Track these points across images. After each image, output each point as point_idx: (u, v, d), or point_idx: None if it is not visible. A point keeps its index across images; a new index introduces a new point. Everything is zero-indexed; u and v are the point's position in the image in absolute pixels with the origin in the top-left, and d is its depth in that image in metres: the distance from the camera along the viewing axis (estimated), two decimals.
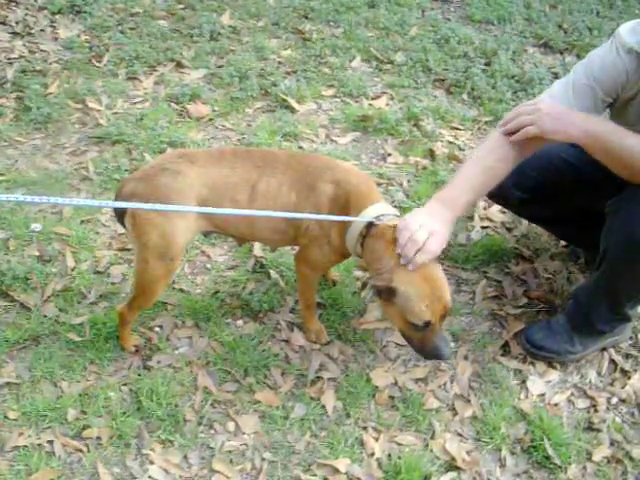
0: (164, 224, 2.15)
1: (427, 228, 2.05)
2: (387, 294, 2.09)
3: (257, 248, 2.92)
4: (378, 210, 2.18)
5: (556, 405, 2.50)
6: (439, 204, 2.18)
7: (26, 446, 2.19)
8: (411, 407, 2.41)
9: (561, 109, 2.22)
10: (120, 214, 2.26)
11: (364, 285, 2.17)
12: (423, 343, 2.15)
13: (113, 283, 2.75)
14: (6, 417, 2.27)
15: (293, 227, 2.27)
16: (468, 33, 4.67)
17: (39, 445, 2.20)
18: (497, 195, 2.80)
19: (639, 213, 2.19)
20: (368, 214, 2.16)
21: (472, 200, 2.27)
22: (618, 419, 2.47)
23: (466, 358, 2.62)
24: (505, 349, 2.68)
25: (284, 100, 3.89)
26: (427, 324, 2.08)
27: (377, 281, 2.10)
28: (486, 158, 2.28)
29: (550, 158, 2.60)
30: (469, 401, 2.47)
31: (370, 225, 2.16)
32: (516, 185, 2.61)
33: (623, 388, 2.57)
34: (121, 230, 2.93)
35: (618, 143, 2.10)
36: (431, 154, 3.58)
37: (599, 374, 2.62)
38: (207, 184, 2.16)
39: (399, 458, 2.24)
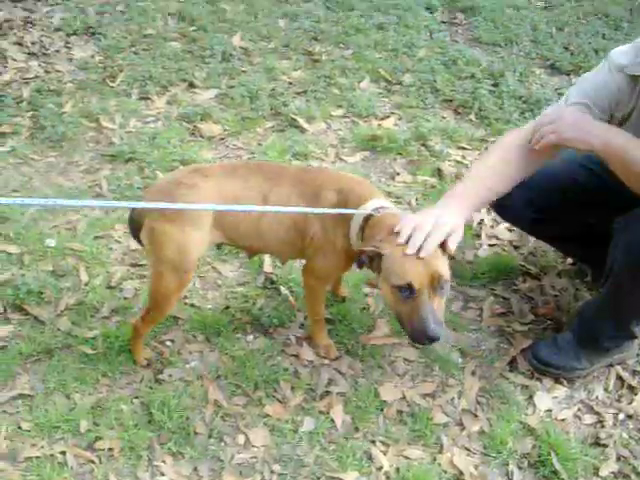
0: (179, 237, 2.20)
1: (435, 217, 2.07)
2: (376, 262, 2.08)
3: (267, 264, 2.96)
4: (376, 204, 2.21)
5: (563, 420, 2.51)
6: (450, 199, 2.22)
7: (39, 457, 2.22)
8: (419, 422, 2.43)
9: (584, 118, 2.24)
10: (135, 229, 2.32)
11: (359, 260, 2.13)
12: (411, 318, 2.03)
13: (125, 298, 2.79)
14: (19, 428, 2.30)
15: (300, 237, 2.31)
16: (475, 55, 4.73)
17: (51, 456, 2.23)
18: (509, 214, 2.86)
19: None
20: (367, 208, 2.19)
21: (484, 198, 2.32)
22: (625, 435, 2.47)
23: (474, 374, 2.64)
24: (512, 365, 2.69)
25: (294, 120, 3.95)
26: (410, 287, 2.00)
27: (367, 248, 2.10)
28: (496, 161, 2.34)
29: (561, 178, 2.63)
30: (477, 416, 2.48)
31: (369, 218, 2.19)
32: (528, 205, 2.66)
33: (630, 404, 2.57)
34: (133, 246, 2.99)
35: (637, 155, 2.12)
36: (439, 173, 3.63)
37: (606, 390, 2.63)
38: (221, 197, 2.20)
39: (407, 472, 2.25)
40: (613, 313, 2.51)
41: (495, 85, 4.39)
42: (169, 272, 2.24)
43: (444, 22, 5.29)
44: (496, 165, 2.33)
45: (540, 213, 2.69)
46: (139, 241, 2.33)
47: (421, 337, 2.03)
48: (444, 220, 2.07)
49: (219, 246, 2.49)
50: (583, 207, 2.60)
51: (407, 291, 2.01)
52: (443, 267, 2.04)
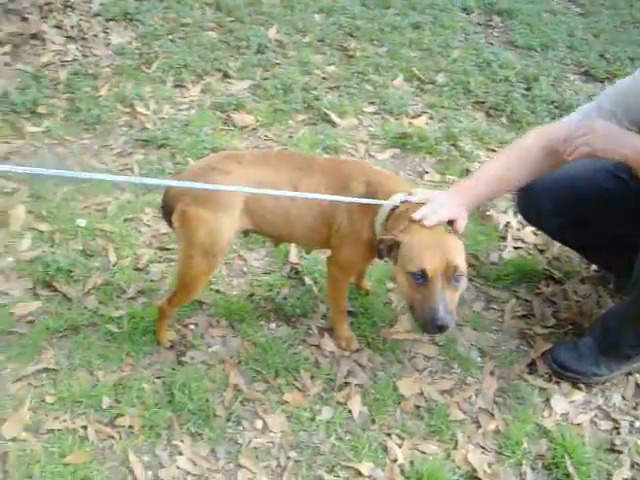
0: (211, 221, 2.24)
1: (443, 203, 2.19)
2: (394, 250, 2.12)
3: (293, 254, 3.00)
4: (402, 197, 2.23)
5: (579, 425, 2.51)
6: (455, 191, 2.33)
7: (61, 429, 2.27)
8: (436, 417, 2.44)
9: (616, 130, 2.26)
10: (167, 212, 2.36)
11: (378, 249, 2.17)
12: (422, 305, 2.06)
13: (152, 280, 2.84)
14: (43, 401, 2.35)
15: (326, 226, 2.34)
16: (510, 58, 4.73)
17: (73, 430, 2.27)
18: (536, 221, 2.88)
19: None
20: (393, 200, 2.23)
21: (487, 192, 2.38)
22: None
23: (492, 374, 2.65)
24: (531, 367, 2.70)
25: (326, 114, 3.97)
26: (424, 274, 2.03)
27: (386, 237, 2.15)
28: (510, 158, 2.40)
29: (590, 187, 2.63)
30: (493, 415, 2.50)
31: (394, 209, 2.22)
32: (556, 211, 2.68)
33: None
34: (162, 230, 3.03)
35: None
36: (467, 174, 3.63)
37: (623, 397, 2.63)
38: (253, 183, 2.23)
39: (421, 466, 2.27)
40: (636, 322, 2.50)
41: (528, 89, 4.38)
42: (199, 256, 2.29)
43: (480, 24, 5.29)
44: (512, 162, 2.39)
45: (568, 221, 2.69)
46: (170, 224, 2.37)
47: (430, 325, 2.05)
48: (449, 206, 2.21)
49: (246, 233, 2.52)
50: (612, 216, 2.60)
51: (421, 278, 2.04)
52: (459, 259, 2.07)
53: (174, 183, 2.15)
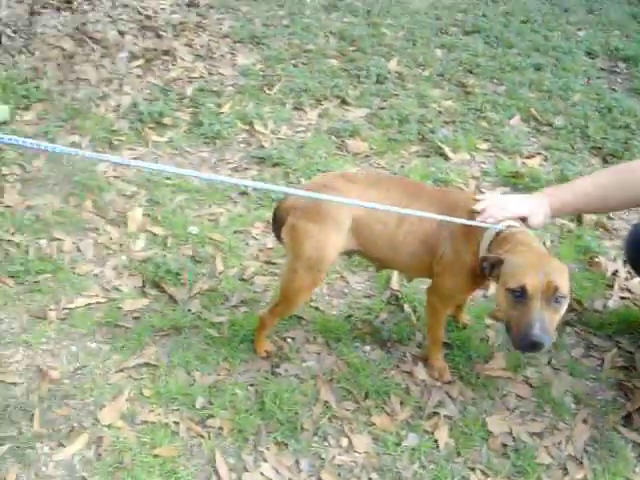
0: (319, 237, 2.31)
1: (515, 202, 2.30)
2: (496, 267, 2.13)
3: (394, 281, 3.02)
4: (507, 223, 2.25)
5: None
6: (537, 194, 2.41)
7: (154, 422, 2.37)
8: (522, 458, 2.39)
9: None
10: (277, 225, 2.44)
11: (481, 267, 2.20)
12: (519, 322, 2.06)
13: (255, 291, 2.93)
14: (141, 393, 2.46)
15: (430, 254, 2.36)
16: (633, 105, 4.63)
17: (166, 424, 2.37)
18: None
19: None
20: (498, 225, 2.24)
21: (573, 202, 2.37)
22: None
23: (585, 422, 2.57)
24: (627, 420, 2.60)
25: (439, 147, 4.00)
26: (524, 290, 2.03)
27: (489, 255, 2.17)
28: (610, 178, 2.39)
29: None
30: (582, 464, 2.42)
31: (499, 234, 2.23)
32: None
33: None
34: (270, 244, 3.13)
35: None
36: (578, 219, 3.57)
37: None
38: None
39: None
40: None
41: None
42: (304, 269, 2.35)
43: (603, 69, 5.20)
44: (610, 182, 2.36)
45: None
46: (279, 238, 2.45)
47: (525, 341, 2.04)
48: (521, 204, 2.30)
49: (350, 254, 2.57)
50: None
51: (520, 294, 2.05)
52: (562, 281, 2.05)
53: (282, 188, 2.23)
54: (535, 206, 2.30)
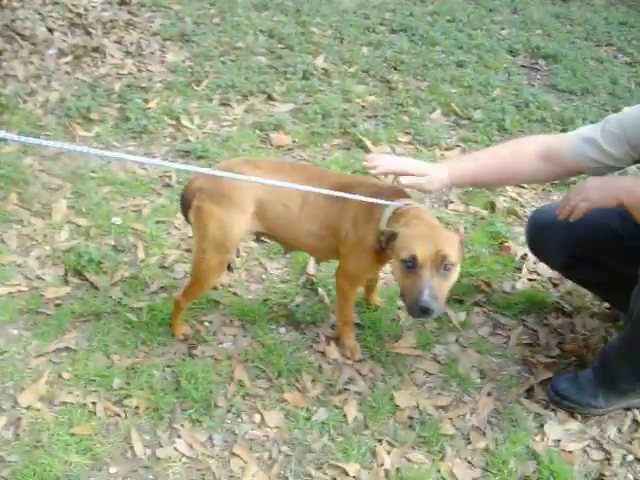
0: (224, 218, 2.42)
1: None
2: (391, 240, 2.27)
3: (310, 266, 3.14)
4: (405, 201, 2.41)
5: (570, 452, 2.53)
6: (440, 162, 2.61)
7: (72, 403, 2.44)
8: (427, 429, 2.52)
9: (607, 178, 2.39)
10: (185, 207, 2.54)
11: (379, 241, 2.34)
12: (411, 290, 2.20)
13: (175, 278, 3.02)
14: (60, 376, 2.54)
15: (333, 235, 2.49)
16: (549, 100, 4.84)
17: (84, 405, 2.44)
18: (543, 255, 2.95)
19: None
20: (396, 202, 2.40)
21: (469, 170, 2.55)
22: (631, 476, 2.47)
23: (489, 395, 2.70)
24: (529, 393, 2.74)
25: (360, 140, 4.13)
26: (414, 260, 2.17)
27: (385, 229, 2.33)
28: (503, 151, 2.65)
29: (598, 226, 2.68)
30: (484, 434, 2.55)
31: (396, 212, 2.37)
32: (561, 249, 2.75)
33: None
34: (191, 234, 3.20)
35: None
36: (491, 206, 3.74)
37: (619, 431, 2.64)
38: (265, 188, 2.40)
39: (407, 473, 2.34)
40: (630, 357, 2.53)
41: (563, 131, 4.45)
42: (211, 250, 2.46)
43: (524, 66, 5.41)
44: (504, 155, 2.57)
45: (572, 258, 2.76)
46: (188, 219, 2.55)
47: (415, 307, 2.18)
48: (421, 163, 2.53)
49: (258, 237, 2.67)
50: (617, 256, 2.65)
51: (411, 264, 2.19)
52: (451, 250, 2.21)
53: (190, 168, 2.34)
54: (433, 170, 2.45)
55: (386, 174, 2.54)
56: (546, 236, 2.80)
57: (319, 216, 2.46)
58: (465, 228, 3.56)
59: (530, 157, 2.55)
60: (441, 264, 2.19)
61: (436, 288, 2.17)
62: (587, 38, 6.05)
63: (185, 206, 2.54)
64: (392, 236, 2.27)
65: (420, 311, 2.17)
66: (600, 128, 2.52)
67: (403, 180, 2.41)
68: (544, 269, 3.37)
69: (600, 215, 2.66)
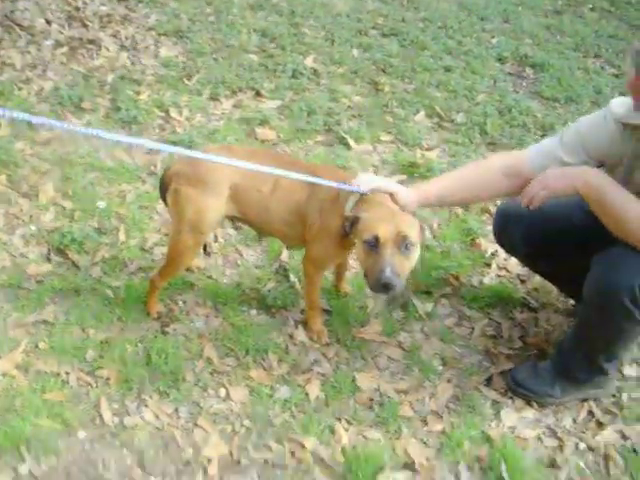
0: (199, 201, 2.54)
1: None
2: (354, 225, 2.40)
3: (284, 254, 3.26)
4: (372, 188, 2.51)
5: (524, 439, 2.62)
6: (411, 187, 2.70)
7: (47, 372, 2.57)
8: (386, 411, 2.63)
9: (566, 168, 2.50)
10: (163, 191, 2.67)
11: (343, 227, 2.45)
12: (373, 268, 2.32)
13: (153, 260, 3.14)
14: (36, 346, 2.67)
15: (302, 222, 2.61)
16: (532, 106, 4.94)
17: (57, 374, 2.57)
18: (508, 246, 3.06)
19: (612, 266, 2.39)
20: (362, 188, 2.50)
21: (434, 192, 2.68)
22: (582, 464, 2.56)
23: (449, 381, 2.81)
24: (489, 382, 2.84)
25: (343, 138, 4.26)
26: (376, 240, 2.30)
27: (348, 214, 2.45)
28: (468, 172, 2.79)
29: (558, 219, 2.81)
30: (441, 417, 2.66)
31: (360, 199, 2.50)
32: (524, 238, 2.87)
33: (594, 438, 2.66)
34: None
35: (610, 196, 2.33)
36: (466, 205, 3.85)
37: (574, 421, 2.73)
38: (239, 173, 2.54)
39: (362, 449, 2.45)
40: (582, 345, 2.66)
41: (543, 136, 4.57)
42: (187, 232, 2.59)
43: (511, 74, 5.52)
44: (469, 176, 2.70)
45: (535, 249, 2.88)
46: (165, 202, 2.68)
47: (377, 284, 2.30)
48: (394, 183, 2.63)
49: (233, 221, 2.79)
50: (577, 247, 2.75)
51: (373, 244, 2.32)
52: (411, 231, 2.35)
53: (173, 149, 2.46)
54: (404, 190, 2.56)
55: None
56: (511, 227, 2.92)
57: (289, 202, 2.59)
58: (439, 225, 3.67)
59: (494, 176, 2.68)
60: (402, 244, 2.32)
61: (397, 265, 2.30)
62: (576, 49, 6.16)
63: (163, 189, 2.67)
64: (355, 220, 2.39)
65: (382, 287, 2.29)
66: (558, 140, 2.65)
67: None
68: (513, 266, 3.49)
69: (562, 208, 2.80)
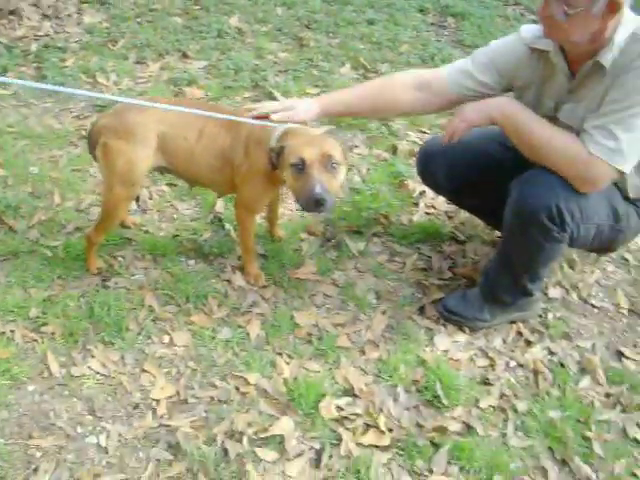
0: (129, 152, 2.61)
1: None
2: (280, 154, 2.51)
3: (219, 205, 3.36)
4: (291, 125, 2.64)
5: (457, 360, 2.78)
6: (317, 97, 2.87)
7: None
8: (325, 343, 2.76)
9: (482, 101, 2.63)
10: (92, 146, 2.73)
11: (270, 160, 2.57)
12: (303, 189, 2.43)
13: (90, 220, 3.19)
14: None
15: (229, 165, 2.70)
16: (453, 53, 5.09)
17: (2, 333, 2.63)
18: (431, 181, 3.18)
19: (530, 187, 2.53)
20: (283, 125, 2.62)
21: (340, 99, 2.83)
22: (513, 379, 2.72)
23: (384, 313, 2.95)
24: (422, 311, 2.99)
25: (271, 93, 4.34)
26: (303, 162, 2.42)
27: (273, 146, 2.57)
28: (376, 81, 3.03)
29: (479, 154, 2.96)
30: (378, 346, 2.79)
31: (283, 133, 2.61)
32: (447, 176, 3.01)
33: (523, 355, 2.83)
34: None
35: (524, 123, 2.48)
36: (393, 149, 3.99)
37: (504, 341, 2.89)
38: (165, 122, 2.63)
39: (304, 380, 2.58)
40: (506, 267, 2.80)
41: None
42: (118, 184, 2.66)
43: (433, 24, 5.67)
44: (379, 87, 2.86)
45: (459, 184, 3.02)
46: (94, 157, 2.74)
47: (309, 202, 2.41)
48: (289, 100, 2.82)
49: (163, 172, 2.87)
50: (497, 179, 2.86)
51: (301, 166, 2.44)
52: (335, 152, 2.48)
53: (101, 96, 2.53)
54: (300, 103, 2.71)
55: (260, 116, 2.72)
56: (433, 166, 3.05)
57: (215, 147, 2.68)
58: (368, 170, 3.80)
59: (404, 87, 2.79)
60: (328, 163, 2.44)
61: (326, 182, 2.41)
62: None
63: (92, 145, 2.72)
64: (281, 150, 2.50)
65: (315, 202, 2.39)
66: (470, 60, 2.79)
67: (273, 117, 2.61)
68: (440, 204, 3.64)
69: (481, 143, 2.95)
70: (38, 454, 2.26)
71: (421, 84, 2.79)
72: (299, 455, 2.35)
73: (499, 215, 3.08)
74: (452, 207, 3.59)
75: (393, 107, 2.85)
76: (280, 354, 2.71)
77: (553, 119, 2.54)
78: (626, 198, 2.65)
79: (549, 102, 2.64)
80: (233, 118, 2.56)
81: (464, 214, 3.53)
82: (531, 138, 2.49)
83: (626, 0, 2.28)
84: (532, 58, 2.65)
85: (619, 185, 2.61)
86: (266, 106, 2.69)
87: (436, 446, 2.42)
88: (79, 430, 2.36)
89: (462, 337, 2.91)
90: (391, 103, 2.82)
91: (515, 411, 2.61)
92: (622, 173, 2.42)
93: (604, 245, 2.77)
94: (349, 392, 2.59)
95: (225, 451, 2.32)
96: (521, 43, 2.66)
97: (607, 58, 2.38)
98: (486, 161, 2.94)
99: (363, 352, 2.78)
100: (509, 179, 2.69)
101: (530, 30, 2.67)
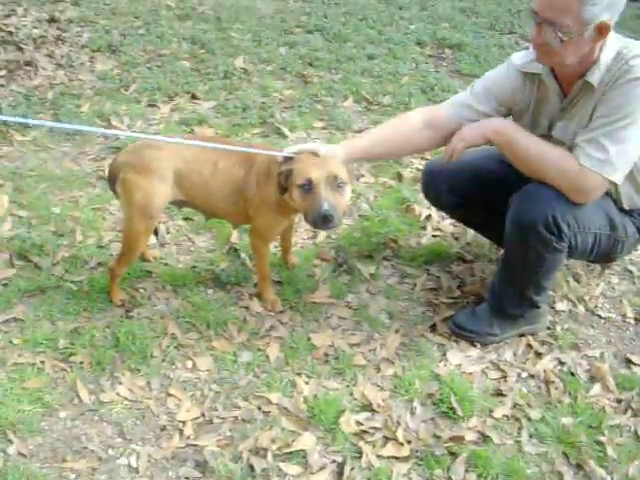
0: (146, 186, 2.76)
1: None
2: (288, 177, 2.63)
3: (234, 236, 3.49)
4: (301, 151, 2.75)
5: (470, 374, 2.87)
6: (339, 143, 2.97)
7: (23, 363, 2.73)
8: (341, 362, 2.86)
9: (478, 122, 2.78)
10: (112, 182, 2.87)
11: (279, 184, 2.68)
12: (311, 207, 2.55)
13: (111, 255, 3.32)
14: (11, 342, 2.83)
15: (242, 197, 2.84)
16: (452, 83, 5.28)
17: (33, 364, 2.74)
18: (436, 200, 3.32)
19: (527, 200, 2.66)
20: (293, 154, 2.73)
21: (359, 145, 2.92)
22: (524, 389, 2.81)
23: (397, 332, 3.05)
24: (433, 329, 3.09)
25: (278, 128, 4.51)
26: (310, 182, 2.55)
27: (281, 169, 2.67)
28: (389, 125, 3.06)
29: (481, 171, 3.09)
30: (393, 363, 2.89)
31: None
32: (450, 191, 3.14)
33: (534, 366, 2.92)
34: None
35: (516, 139, 2.62)
36: (399, 177, 4.14)
37: (515, 354, 2.98)
38: (181, 158, 2.78)
39: (323, 397, 2.67)
40: (510, 281, 2.91)
41: None
42: (137, 217, 2.80)
43: (431, 56, 5.87)
44: (390, 129, 2.98)
45: (459, 198, 3.14)
46: (115, 192, 2.88)
47: (318, 219, 2.53)
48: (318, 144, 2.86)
49: (180, 205, 3.02)
50: (500, 196, 2.96)
51: (308, 186, 2.56)
52: (341, 172, 2.60)
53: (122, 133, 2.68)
54: (328, 148, 2.81)
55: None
56: (437, 182, 3.19)
57: (228, 181, 2.82)
58: (375, 197, 3.94)
59: (414, 128, 2.93)
60: (334, 182, 2.57)
61: (333, 200, 2.54)
62: (491, 28, 6.55)
63: (112, 181, 2.87)
64: (289, 172, 2.63)
65: (323, 219, 2.52)
66: (469, 92, 2.95)
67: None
68: (447, 226, 3.77)
69: (481, 160, 3.08)
70: (72, 476, 2.36)
71: (429, 123, 2.92)
72: (322, 468, 2.44)
73: (503, 231, 3.23)
74: (458, 229, 3.72)
75: (406, 148, 3.02)
76: (299, 374, 2.81)
77: (547, 137, 2.69)
78: (621, 209, 2.78)
79: (544, 121, 2.79)
80: (245, 150, 2.72)
81: (470, 235, 3.66)
82: (525, 154, 2.63)
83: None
84: (526, 82, 2.80)
85: (613, 196, 2.74)
86: (298, 147, 2.80)
87: (453, 455, 2.50)
88: (110, 452, 2.46)
89: (474, 352, 3.00)
90: (405, 145, 2.97)
91: (529, 419, 2.69)
92: (614, 183, 2.55)
93: (603, 255, 2.87)
94: (367, 407, 2.68)
95: (251, 467, 2.41)
96: (514, 69, 2.82)
97: (595, 77, 2.53)
98: (487, 177, 3.06)
99: (379, 369, 2.87)
100: (509, 194, 2.80)
101: (520, 57, 2.83)
